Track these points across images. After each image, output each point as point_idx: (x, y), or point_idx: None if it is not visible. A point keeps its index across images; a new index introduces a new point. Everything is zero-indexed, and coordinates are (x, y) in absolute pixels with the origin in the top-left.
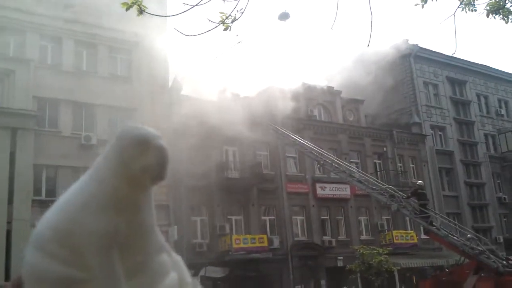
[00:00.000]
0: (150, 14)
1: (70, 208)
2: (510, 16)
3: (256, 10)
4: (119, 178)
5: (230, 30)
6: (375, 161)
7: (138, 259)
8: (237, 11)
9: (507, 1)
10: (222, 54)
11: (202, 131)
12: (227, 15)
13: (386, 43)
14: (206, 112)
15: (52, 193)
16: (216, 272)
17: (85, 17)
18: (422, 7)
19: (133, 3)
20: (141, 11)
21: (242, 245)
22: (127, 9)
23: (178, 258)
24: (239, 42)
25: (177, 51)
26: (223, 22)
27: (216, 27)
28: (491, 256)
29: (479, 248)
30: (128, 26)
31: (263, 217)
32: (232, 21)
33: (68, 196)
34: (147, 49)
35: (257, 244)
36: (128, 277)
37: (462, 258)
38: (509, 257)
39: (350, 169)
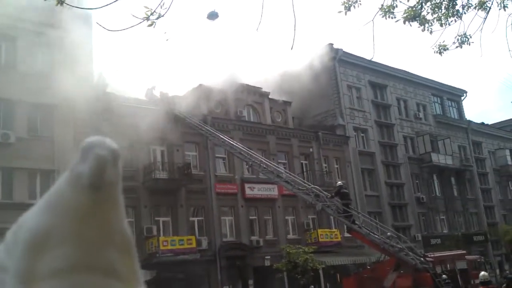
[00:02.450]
0: (71, 6)
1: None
2: (426, 24)
3: (185, 9)
4: (65, 182)
5: (154, 26)
6: (302, 161)
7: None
8: (161, 7)
9: (422, 10)
10: (151, 52)
11: (128, 130)
12: (152, 11)
13: (312, 47)
14: (133, 111)
15: None
16: (143, 275)
17: (5, 9)
18: (345, 14)
19: None
20: (60, 2)
21: (169, 247)
22: None
23: None
24: (167, 40)
25: (103, 47)
26: (147, 18)
27: (140, 23)
28: (410, 253)
29: (398, 245)
30: (50, 20)
31: (191, 218)
32: (158, 18)
33: None
34: (70, 44)
35: (185, 246)
36: (45, 279)
37: (383, 256)
38: (427, 254)
39: (278, 169)
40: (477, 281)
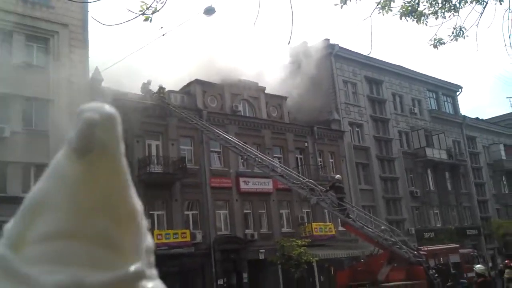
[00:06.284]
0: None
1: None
2: (422, 18)
3: (181, 4)
4: (61, 151)
5: (150, 21)
6: (296, 156)
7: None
8: (157, 2)
9: (419, 5)
10: (147, 46)
11: (124, 124)
12: (148, 6)
13: (308, 42)
14: (128, 105)
15: None
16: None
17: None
18: (341, 7)
19: None
20: None
21: (164, 241)
22: None
23: None
24: (163, 35)
25: (99, 41)
26: (143, 13)
27: (135, 17)
28: (403, 246)
29: (392, 239)
30: (46, 14)
31: (186, 212)
32: (153, 12)
33: None
34: (66, 38)
35: (180, 239)
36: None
37: (377, 249)
38: (420, 247)
39: (273, 163)
40: (470, 274)
